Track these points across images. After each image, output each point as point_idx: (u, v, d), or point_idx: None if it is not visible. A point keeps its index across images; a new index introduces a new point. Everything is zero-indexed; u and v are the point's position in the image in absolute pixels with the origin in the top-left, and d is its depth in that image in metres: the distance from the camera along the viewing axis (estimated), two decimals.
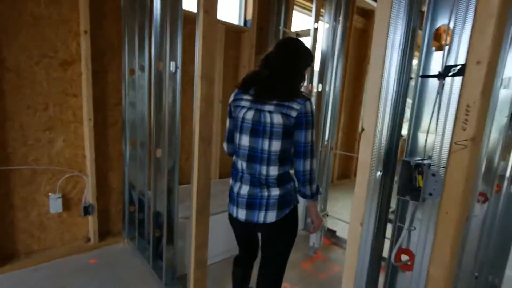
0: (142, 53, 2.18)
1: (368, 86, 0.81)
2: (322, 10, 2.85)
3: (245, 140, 1.19)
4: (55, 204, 2.12)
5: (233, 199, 1.29)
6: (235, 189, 1.27)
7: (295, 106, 1.10)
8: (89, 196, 2.24)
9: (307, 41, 3.06)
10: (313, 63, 1.47)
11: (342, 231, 2.81)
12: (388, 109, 0.79)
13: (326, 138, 2.81)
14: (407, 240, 0.82)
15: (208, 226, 1.56)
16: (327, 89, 2.79)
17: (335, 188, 4.49)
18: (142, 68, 2.20)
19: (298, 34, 3.26)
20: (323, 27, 2.76)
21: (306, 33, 3.17)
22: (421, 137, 0.77)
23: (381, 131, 0.79)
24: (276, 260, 1.30)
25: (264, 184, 1.18)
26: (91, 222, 2.29)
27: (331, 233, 2.78)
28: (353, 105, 4.88)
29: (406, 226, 0.81)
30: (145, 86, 2.19)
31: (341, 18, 2.72)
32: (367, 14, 4.63)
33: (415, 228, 0.80)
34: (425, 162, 0.71)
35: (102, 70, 2.21)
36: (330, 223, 2.85)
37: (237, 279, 1.54)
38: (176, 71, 1.74)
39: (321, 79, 2.81)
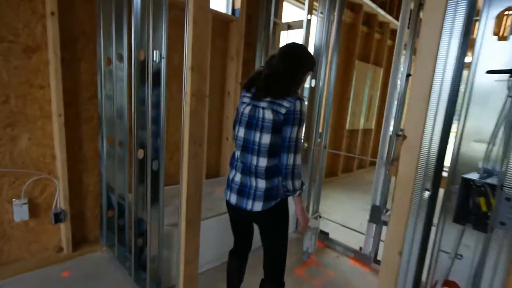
0: (120, 40, 1.93)
1: (414, 82, 0.66)
2: (315, 3, 2.70)
3: (241, 132, 1.30)
4: (20, 211, 1.86)
5: (228, 184, 1.39)
6: (231, 176, 1.37)
7: (285, 104, 1.20)
8: (60, 200, 1.99)
9: (299, 33, 2.91)
10: (314, 68, 1.53)
11: (334, 232, 2.71)
12: (441, 112, 0.64)
13: (320, 136, 2.68)
14: (449, 269, 0.69)
15: (199, 238, 1.39)
16: (320, 84, 2.66)
17: (323, 186, 4.40)
18: (120, 58, 1.95)
19: (289, 25, 3.09)
20: (317, 19, 2.61)
21: (298, 24, 3.01)
22: (476, 147, 0.64)
23: (430, 140, 0.65)
24: (271, 251, 1.39)
25: (254, 173, 1.27)
26: (64, 229, 2.04)
27: (324, 235, 2.68)
28: (341, 101, 4.80)
29: (452, 254, 0.68)
30: (124, 78, 1.95)
31: (336, 9, 2.58)
32: (355, 8, 4.54)
33: (462, 257, 0.67)
34: (494, 182, 0.58)
35: (74, 58, 1.95)
36: (321, 225, 2.76)
37: (231, 270, 1.62)
38: (160, 61, 1.53)
39: (314, 74, 2.67)
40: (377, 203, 2.27)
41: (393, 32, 5.63)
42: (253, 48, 3.11)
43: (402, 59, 2.13)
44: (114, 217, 2.14)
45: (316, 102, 2.66)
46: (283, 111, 1.19)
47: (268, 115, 1.21)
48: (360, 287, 2.07)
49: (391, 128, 2.18)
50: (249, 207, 1.29)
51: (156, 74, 1.54)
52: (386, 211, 2.20)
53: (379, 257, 2.32)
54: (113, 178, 2.12)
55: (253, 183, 1.28)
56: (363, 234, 2.57)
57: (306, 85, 2.79)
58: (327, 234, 2.69)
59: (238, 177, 1.32)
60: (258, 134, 1.24)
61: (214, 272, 2.09)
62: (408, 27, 2.09)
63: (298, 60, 1.27)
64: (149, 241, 1.73)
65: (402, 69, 2.13)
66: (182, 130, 1.25)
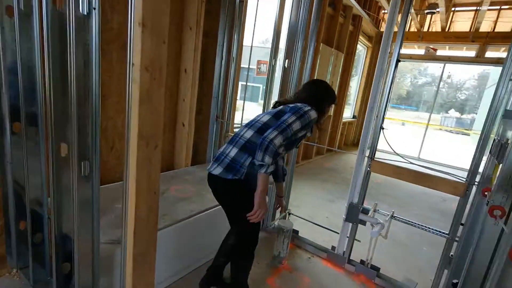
0: None
1: None
2: None
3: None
4: None
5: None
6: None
7: (290, 105, 1.46)
8: None
9: (272, 4, 2.50)
10: (335, 102, 1.61)
11: (301, 227, 2.49)
12: None
13: None
14: None
15: (153, 277, 0.98)
16: (296, 65, 2.32)
17: (296, 169, 4.18)
18: (28, 7, 1.33)
19: None
20: None
21: None
22: None
23: None
24: (232, 219, 1.52)
25: (235, 143, 1.40)
26: None
27: (294, 233, 2.44)
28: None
29: None
30: (34, 37, 1.35)
31: None
32: None
33: None
34: None
35: None
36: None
37: (223, 241, 1.71)
38: (90, 14, 1.01)
39: (289, 54, 2.31)
40: (355, 201, 2.08)
41: (355, 17, 5.52)
42: (216, 17, 2.61)
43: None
44: (27, 230, 1.58)
45: (290, 83, 2.33)
46: (291, 105, 1.43)
47: (266, 118, 1.44)
48: None
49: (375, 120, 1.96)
50: (212, 169, 1.40)
51: (82, 32, 1.02)
52: (363, 210, 2.03)
53: (352, 257, 2.16)
54: (23, 176, 1.53)
55: (227, 151, 1.39)
56: (332, 230, 2.39)
57: (279, 66, 2.44)
58: (297, 232, 2.46)
59: (224, 147, 1.44)
60: (262, 115, 1.48)
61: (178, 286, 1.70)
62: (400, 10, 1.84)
63: (319, 89, 1.55)
64: (77, 267, 1.26)
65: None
66: (128, 123, 0.80)
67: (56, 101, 1.13)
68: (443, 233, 1.79)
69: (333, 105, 1.59)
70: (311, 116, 1.39)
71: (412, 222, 1.90)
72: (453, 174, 1.76)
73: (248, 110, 3.32)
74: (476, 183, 1.62)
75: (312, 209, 3.18)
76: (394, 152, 1.91)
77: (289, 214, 2.47)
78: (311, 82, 1.64)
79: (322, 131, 1.95)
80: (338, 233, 2.26)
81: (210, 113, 2.89)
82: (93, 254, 1.28)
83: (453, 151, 9.37)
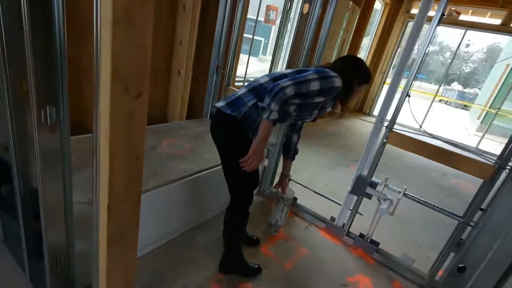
0: None
1: None
2: None
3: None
4: None
5: None
6: None
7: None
8: None
9: None
10: (367, 82, 1.44)
11: (299, 194, 2.36)
12: None
13: None
14: None
15: (134, 260, 0.79)
16: (315, 12, 1.97)
17: None
18: None
19: None
20: None
21: None
22: None
23: None
24: (225, 168, 1.39)
25: (249, 84, 1.33)
26: None
27: (293, 200, 2.30)
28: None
29: None
30: None
31: None
32: None
33: None
34: None
35: None
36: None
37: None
38: None
39: None
40: (364, 174, 1.91)
41: None
42: None
43: None
44: None
45: (307, 31, 2.01)
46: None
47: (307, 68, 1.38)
48: (336, 266, 1.79)
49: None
50: (217, 103, 1.33)
51: None
52: (371, 184, 1.87)
53: (352, 230, 2.06)
54: None
55: (238, 91, 1.34)
56: (334, 202, 2.26)
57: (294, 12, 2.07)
58: (295, 199, 2.32)
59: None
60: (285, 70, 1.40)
61: (157, 255, 1.57)
62: None
63: (354, 65, 1.41)
64: (44, 226, 1.08)
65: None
66: (97, 57, 0.54)
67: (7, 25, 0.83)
68: (457, 216, 1.65)
69: (364, 86, 1.44)
70: (335, 83, 1.27)
71: (425, 201, 1.76)
72: (483, 155, 1.57)
73: (249, 65, 2.99)
74: (509, 167, 1.43)
75: (312, 176, 3.04)
76: (418, 124, 1.68)
77: (289, 180, 2.31)
78: (345, 56, 1.52)
79: (345, 108, 1.69)
80: (340, 204, 2.12)
81: (210, 62, 2.56)
82: (66, 214, 1.09)
83: (450, 125, 9.23)
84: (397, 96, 1.73)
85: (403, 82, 1.79)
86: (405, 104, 1.69)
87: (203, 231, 1.82)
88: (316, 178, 3.02)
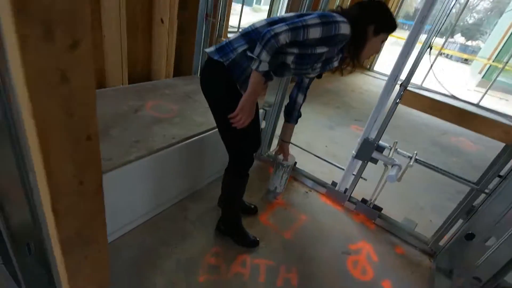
0: None
1: None
2: None
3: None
4: None
5: None
6: None
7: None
8: None
9: None
10: (387, 33, 1.16)
11: (302, 159, 2.22)
12: None
13: None
14: None
15: (106, 270, 0.64)
16: None
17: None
18: None
19: None
20: None
21: None
22: None
23: None
24: (217, 124, 1.26)
25: (243, 30, 1.14)
26: None
27: None
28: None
29: None
30: None
31: None
32: None
33: None
34: None
35: None
36: None
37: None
38: None
39: None
40: (372, 137, 1.74)
41: None
42: None
43: None
44: None
45: None
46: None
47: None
48: (338, 234, 1.72)
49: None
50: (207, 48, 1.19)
51: None
52: (378, 148, 1.71)
53: (353, 195, 1.96)
54: None
55: (232, 37, 1.17)
56: (337, 166, 2.13)
57: None
58: (294, 163, 2.18)
59: None
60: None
61: (148, 228, 1.45)
62: None
63: (373, 8, 1.15)
64: None
65: None
66: None
67: None
68: (471, 182, 1.53)
69: (383, 36, 1.17)
70: (341, 29, 1.04)
71: (436, 167, 1.62)
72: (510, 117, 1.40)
73: (242, 17, 2.62)
74: None
75: (311, 137, 2.88)
76: (439, 82, 1.47)
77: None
78: (367, 1, 1.17)
79: (356, 65, 1.25)
80: (342, 169, 1.99)
81: (199, 9, 2.21)
82: (26, 191, 0.92)
83: (449, 80, 8.92)
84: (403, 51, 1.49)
85: (405, 34, 1.54)
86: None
87: (196, 200, 1.70)
88: (316, 139, 2.87)
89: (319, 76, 1.33)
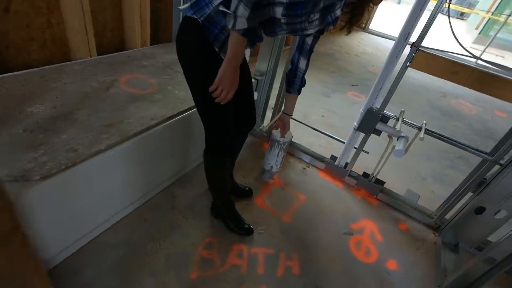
0: None
1: None
2: None
3: None
4: None
5: None
6: None
7: None
8: None
9: None
10: None
11: (297, 132, 2.06)
12: None
13: None
14: None
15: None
16: None
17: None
18: None
19: None
20: None
21: None
22: None
23: None
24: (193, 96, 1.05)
25: None
26: None
27: None
28: None
29: None
30: None
31: None
32: None
33: None
34: None
35: None
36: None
37: None
38: None
39: None
40: (376, 107, 1.57)
41: None
42: None
43: None
44: None
45: None
46: None
47: None
48: (339, 213, 1.61)
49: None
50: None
51: None
52: (382, 118, 1.55)
53: (353, 169, 1.83)
54: None
55: None
56: (337, 139, 1.98)
57: None
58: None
59: None
60: None
61: (132, 221, 1.30)
62: None
63: None
64: None
65: None
66: None
67: None
68: (484, 152, 1.40)
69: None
70: None
71: (448, 138, 1.48)
72: None
73: None
74: None
75: (306, 106, 2.69)
76: (456, 40, 1.27)
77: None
78: None
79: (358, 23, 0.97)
80: (342, 142, 1.84)
81: None
82: None
83: (443, 36, 8.57)
84: (402, 7, 1.26)
85: None
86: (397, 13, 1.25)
87: (184, 186, 1.54)
88: (312, 109, 2.68)
89: (322, 32, 1.10)
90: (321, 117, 2.58)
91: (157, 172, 1.43)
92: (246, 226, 1.37)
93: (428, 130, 1.49)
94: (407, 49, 1.40)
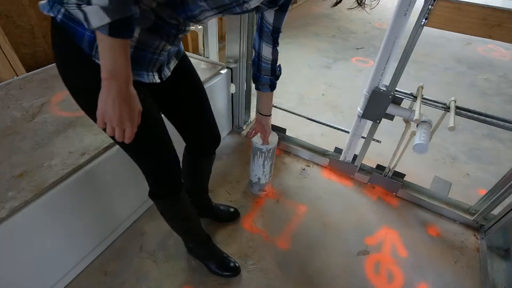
0: None
1: None
2: None
3: None
4: None
5: None
6: None
7: None
8: None
9: None
10: None
11: (293, 121, 1.70)
12: None
13: None
14: None
15: None
16: None
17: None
18: None
19: None
20: None
21: None
22: None
23: None
24: None
25: None
26: None
27: (280, 132, 1.66)
28: None
29: None
30: None
31: None
32: None
33: None
34: None
35: None
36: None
37: None
38: None
39: None
40: (384, 85, 1.18)
41: None
42: None
43: None
44: None
45: None
46: None
47: None
48: (350, 224, 1.29)
49: None
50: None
51: None
52: (394, 99, 1.17)
53: (364, 161, 1.48)
54: None
55: None
56: (342, 130, 1.61)
57: None
58: (284, 130, 1.67)
59: None
60: None
61: (92, 274, 1.05)
62: None
63: None
64: None
65: None
66: None
67: None
68: None
69: None
70: None
71: (485, 116, 1.08)
72: None
73: None
74: None
75: (302, 85, 2.29)
76: None
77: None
78: None
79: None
80: (347, 131, 1.48)
81: None
82: None
83: None
84: None
85: None
86: None
87: (154, 218, 1.26)
88: (310, 86, 2.28)
89: (279, 3, 0.73)
90: (321, 96, 2.18)
91: (114, 210, 1.15)
92: (232, 264, 1.09)
93: (459, 108, 1.09)
94: (420, 0, 0.98)
